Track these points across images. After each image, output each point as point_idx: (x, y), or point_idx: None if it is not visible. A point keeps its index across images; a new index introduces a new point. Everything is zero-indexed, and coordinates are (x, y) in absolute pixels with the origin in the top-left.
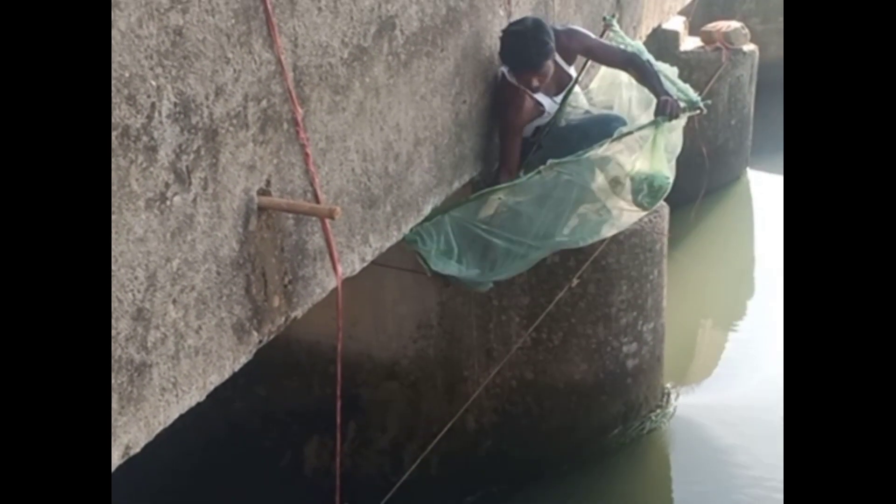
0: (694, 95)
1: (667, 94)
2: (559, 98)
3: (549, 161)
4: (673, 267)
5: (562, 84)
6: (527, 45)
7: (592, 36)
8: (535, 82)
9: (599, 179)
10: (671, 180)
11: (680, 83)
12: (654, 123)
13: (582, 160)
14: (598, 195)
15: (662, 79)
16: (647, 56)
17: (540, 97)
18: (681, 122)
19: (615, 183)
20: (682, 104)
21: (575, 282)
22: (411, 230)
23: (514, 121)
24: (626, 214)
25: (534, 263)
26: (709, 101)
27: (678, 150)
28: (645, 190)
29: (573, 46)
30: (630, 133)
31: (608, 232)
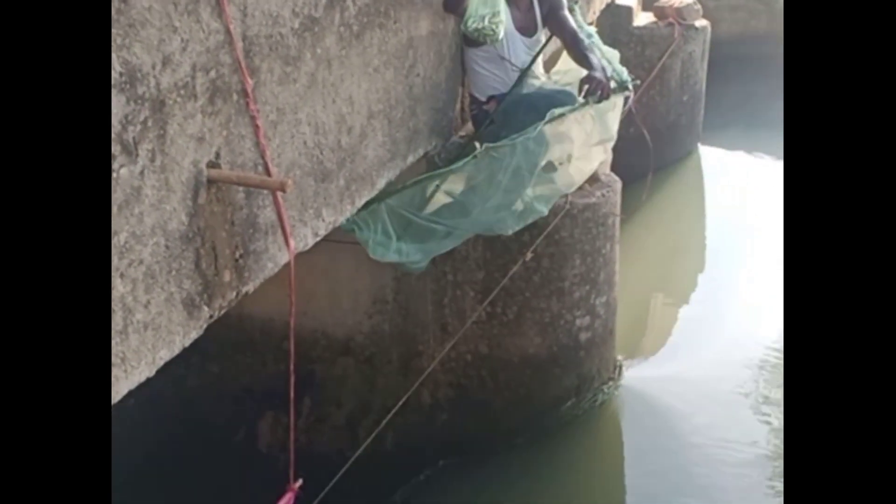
0: (626, 76)
1: (601, 70)
2: (525, 48)
3: (485, 145)
4: (625, 241)
5: (527, 29)
6: None
7: (565, 5)
8: None
9: (533, 162)
10: (595, 165)
11: (617, 65)
12: (585, 104)
13: (516, 143)
14: (530, 178)
15: (604, 60)
16: (596, 40)
17: (507, 19)
18: (617, 107)
19: (549, 167)
20: (612, 84)
21: (529, 256)
22: (347, 219)
23: None
24: (553, 197)
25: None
26: (637, 81)
27: (613, 138)
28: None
29: None
30: (562, 115)
31: (532, 218)
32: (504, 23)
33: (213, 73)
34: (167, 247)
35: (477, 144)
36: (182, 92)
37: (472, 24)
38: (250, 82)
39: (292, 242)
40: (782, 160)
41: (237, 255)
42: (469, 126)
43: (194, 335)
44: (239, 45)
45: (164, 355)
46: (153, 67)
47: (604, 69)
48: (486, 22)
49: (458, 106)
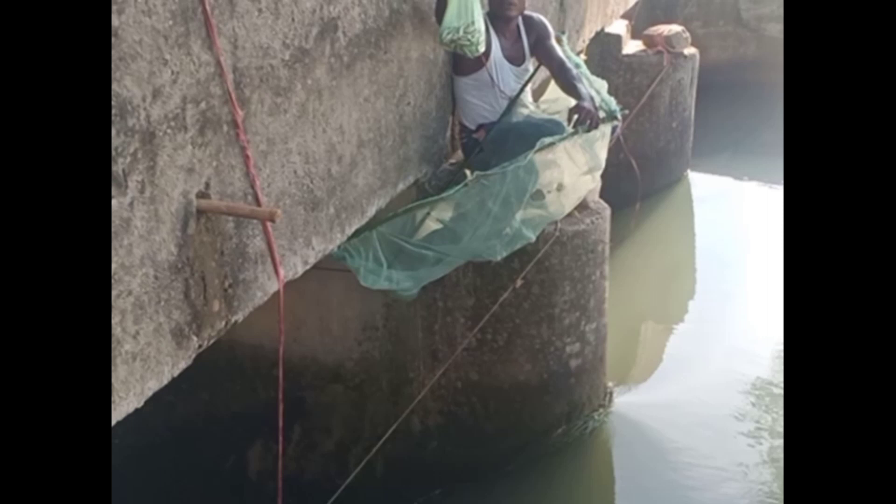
0: (614, 106)
1: (590, 100)
2: (514, 77)
3: (475, 173)
4: (615, 267)
5: (515, 58)
6: None
7: (552, 35)
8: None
9: (522, 190)
10: (583, 193)
11: (605, 95)
12: (574, 134)
13: (507, 171)
14: (519, 206)
15: (592, 90)
16: (584, 70)
17: (495, 48)
18: (605, 136)
19: (538, 194)
20: (601, 114)
21: (519, 283)
22: (339, 247)
23: None
24: (542, 223)
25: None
26: (626, 111)
27: (601, 167)
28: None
29: (535, 28)
30: (552, 144)
31: (521, 243)
32: (482, 33)
33: (203, 105)
34: (156, 277)
35: (467, 172)
36: (172, 124)
37: (446, 35)
38: (240, 113)
39: (282, 272)
40: (776, 184)
41: (226, 284)
42: (459, 154)
43: (183, 365)
44: (229, 76)
45: (153, 385)
46: (143, 100)
47: (592, 98)
48: (462, 32)
49: (449, 134)
